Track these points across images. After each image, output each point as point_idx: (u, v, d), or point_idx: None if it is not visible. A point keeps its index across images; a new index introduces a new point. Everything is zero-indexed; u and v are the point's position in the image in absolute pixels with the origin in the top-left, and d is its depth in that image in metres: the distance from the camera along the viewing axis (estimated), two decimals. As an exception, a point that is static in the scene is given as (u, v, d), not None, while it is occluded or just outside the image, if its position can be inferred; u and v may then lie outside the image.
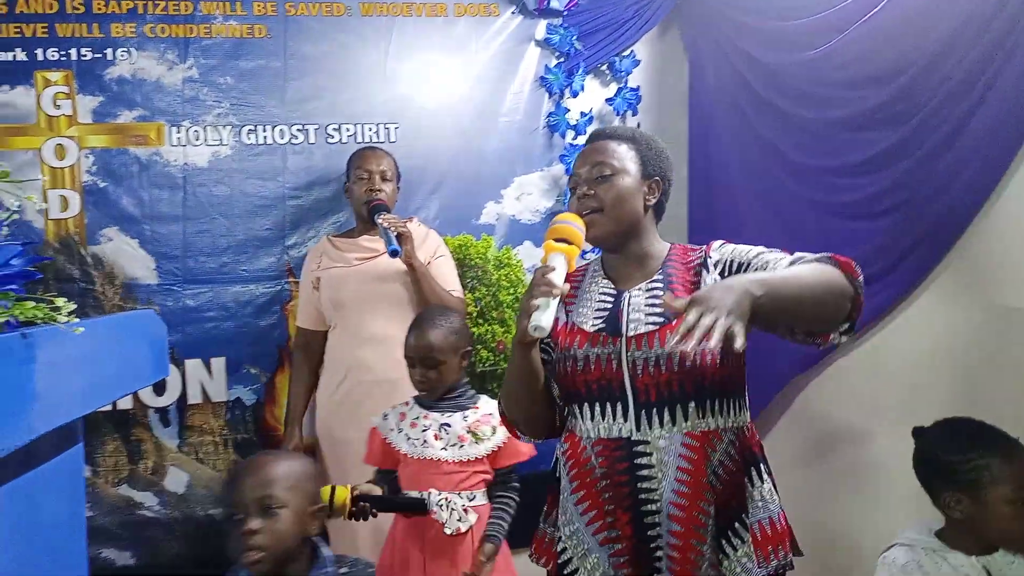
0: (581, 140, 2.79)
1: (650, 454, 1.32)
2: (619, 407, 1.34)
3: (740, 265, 1.36)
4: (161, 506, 2.51)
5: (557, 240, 1.31)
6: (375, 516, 1.58)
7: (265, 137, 2.59)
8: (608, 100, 2.84)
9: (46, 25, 2.45)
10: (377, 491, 1.62)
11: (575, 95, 2.80)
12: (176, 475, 2.54)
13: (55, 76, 2.47)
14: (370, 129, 2.67)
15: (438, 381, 1.78)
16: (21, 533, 1.11)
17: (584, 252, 1.48)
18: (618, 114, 2.86)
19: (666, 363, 1.31)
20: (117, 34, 2.49)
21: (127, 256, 2.51)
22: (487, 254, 2.74)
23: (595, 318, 1.39)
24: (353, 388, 2.33)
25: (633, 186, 1.41)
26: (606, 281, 1.45)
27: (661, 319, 1.33)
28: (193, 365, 2.55)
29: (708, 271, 1.38)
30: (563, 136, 2.79)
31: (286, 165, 2.62)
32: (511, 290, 2.74)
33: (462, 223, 2.73)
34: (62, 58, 2.47)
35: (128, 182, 2.52)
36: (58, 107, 2.47)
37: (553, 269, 1.27)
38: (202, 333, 2.55)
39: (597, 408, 1.37)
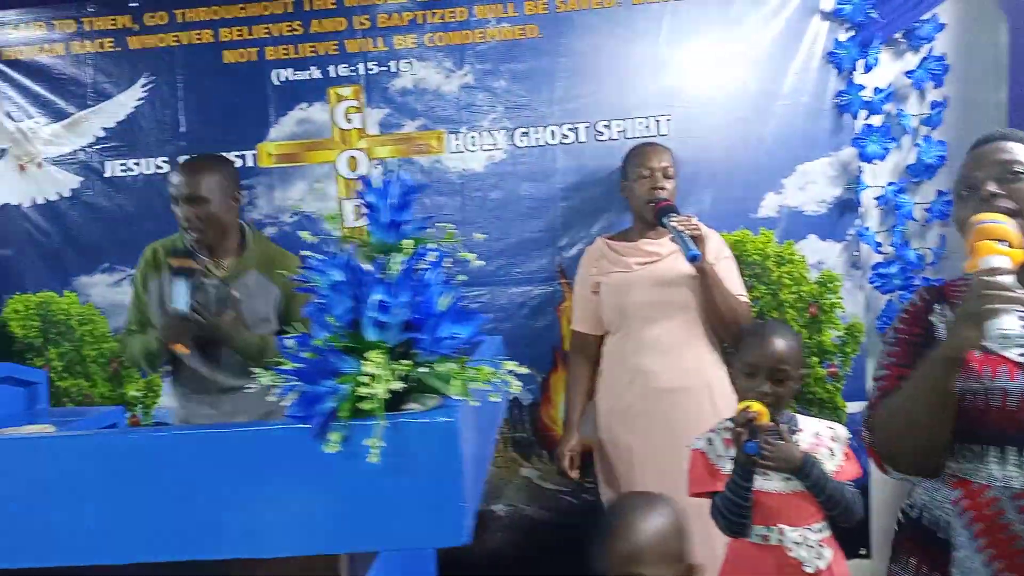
0: (876, 120, 2.50)
1: None
2: None
3: None
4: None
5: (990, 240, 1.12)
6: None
7: (537, 139, 2.58)
8: (907, 73, 2.51)
9: (336, 43, 2.60)
10: None
11: (868, 70, 2.50)
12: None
13: (346, 91, 2.61)
14: (640, 123, 2.56)
15: (783, 396, 1.65)
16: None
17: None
18: (918, 88, 2.53)
19: None
20: (400, 46, 2.58)
21: (412, 261, 2.62)
22: (766, 250, 2.55)
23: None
24: (639, 396, 2.26)
25: None
26: None
27: None
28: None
29: None
30: (855, 116, 2.52)
31: (556, 166, 2.59)
32: (793, 288, 2.54)
33: (738, 217, 2.56)
34: (352, 73, 2.60)
35: (411, 189, 2.61)
36: (349, 121, 2.62)
37: (1003, 271, 1.09)
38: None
39: (1015, 453, 1.18)
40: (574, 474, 2.31)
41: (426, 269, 0.87)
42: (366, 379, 0.77)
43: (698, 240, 2.08)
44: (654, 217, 2.20)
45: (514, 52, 2.56)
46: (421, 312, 0.82)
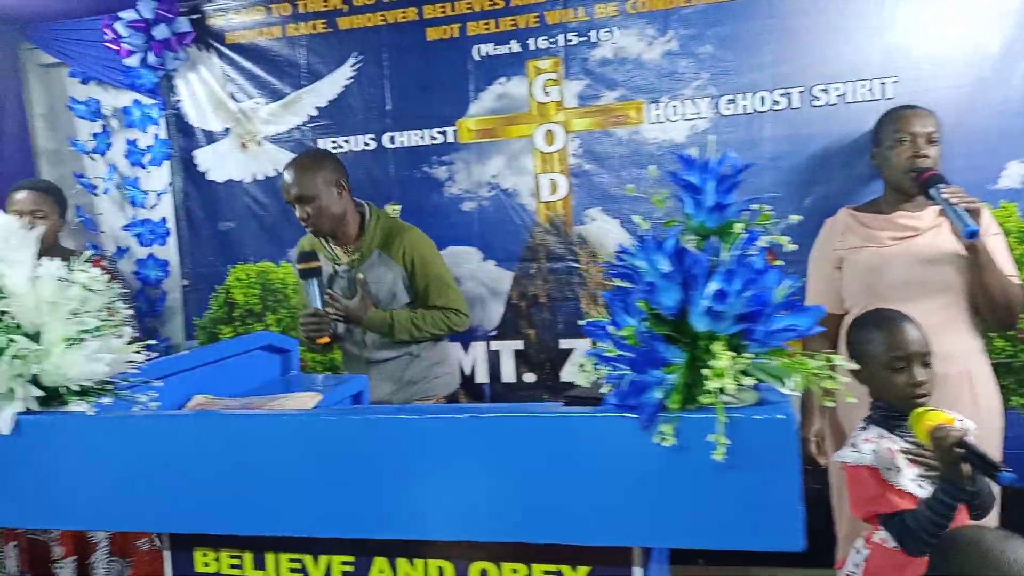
0: None
1: None
2: None
3: None
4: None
5: None
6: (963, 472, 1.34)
7: (744, 106, 2.45)
8: None
9: (537, 15, 2.57)
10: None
11: None
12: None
13: (545, 64, 2.59)
14: (863, 87, 2.36)
15: (932, 382, 1.50)
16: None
17: None
18: None
19: None
20: (601, 15, 2.52)
21: (609, 235, 2.59)
22: (1006, 225, 2.29)
23: None
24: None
25: None
26: None
27: None
28: (670, 342, 2.56)
29: None
30: (1123, 73, 2.19)
31: (764, 134, 2.45)
32: (1039, 269, 2.27)
33: (974, 189, 2.27)
34: (551, 45, 2.58)
35: (609, 163, 2.57)
36: (547, 94, 2.60)
37: None
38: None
39: None
40: (823, 460, 2.17)
41: (755, 255, 0.82)
42: (708, 372, 0.74)
43: (974, 214, 1.87)
44: (918, 188, 1.99)
45: (721, 15, 2.43)
46: (757, 302, 0.77)
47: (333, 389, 1.55)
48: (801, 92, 2.41)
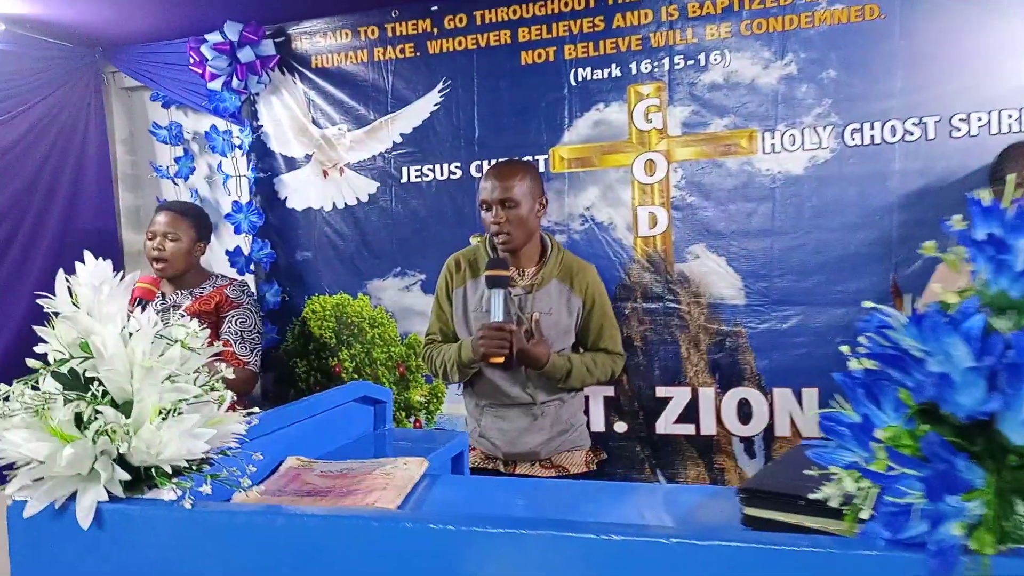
0: None
1: None
2: None
3: None
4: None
5: None
6: None
7: (872, 136, 2.22)
8: None
9: (640, 37, 2.40)
10: None
11: None
12: (759, 510, 2.36)
13: (647, 89, 2.41)
14: (1010, 116, 2.11)
15: None
16: None
17: None
18: None
19: None
20: (711, 37, 2.33)
21: (714, 274, 2.37)
22: None
23: None
24: None
25: None
26: None
27: None
28: (781, 394, 2.32)
29: None
30: None
31: (894, 167, 2.21)
32: None
33: None
34: (654, 69, 2.40)
35: (716, 195, 2.37)
36: (649, 121, 2.41)
37: None
38: (792, 360, 2.30)
39: None
40: None
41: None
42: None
43: None
44: None
45: (847, 37, 2.22)
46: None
47: (435, 451, 1.38)
48: (937, 121, 2.17)
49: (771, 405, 2.34)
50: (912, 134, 2.19)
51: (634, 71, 2.42)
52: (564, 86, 2.49)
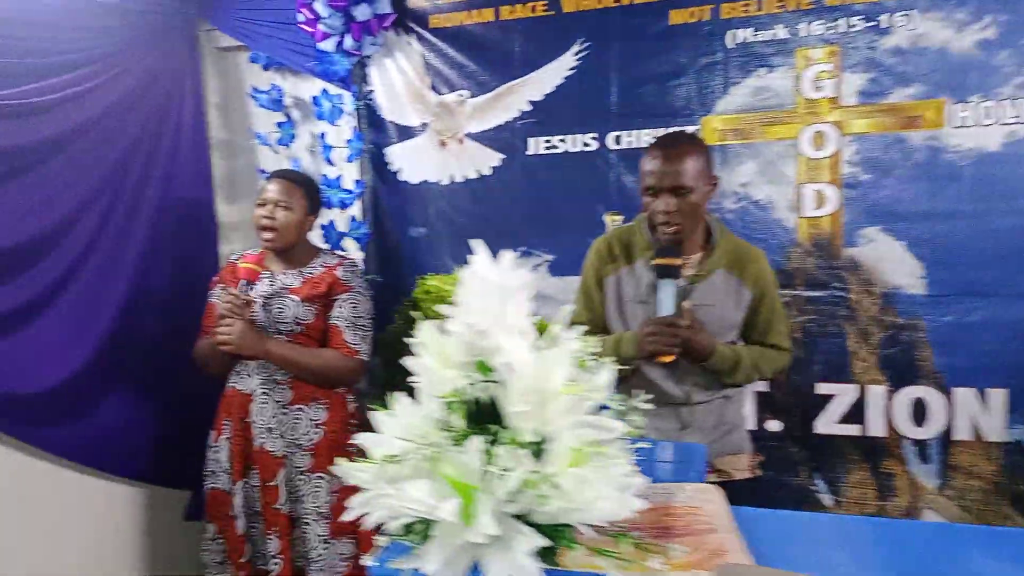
0: None
1: None
2: None
3: None
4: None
5: None
6: None
7: (1086, 109, 1.98)
8: None
9: (811, -5, 2.16)
10: None
11: None
12: (930, 519, 2.16)
13: (818, 53, 2.17)
14: None
15: None
16: None
17: None
18: None
19: None
20: (898, -5, 2.09)
21: (890, 260, 2.15)
22: None
23: None
24: None
25: None
26: None
27: None
28: (963, 394, 2.11)
29: None
30: None
31: (1107, 144, 1.97)
32: None
33: None
34: (828, 32, 2.16)
35: (896, 173, 2.13)
36: (819, 89, 2.18)
37: None
38: (978, 357, 2.08)
39: None
40: None
41: None
42: None
43: None
44: None
45: (1061, -4, 1.97)
46: None
47: (678, 466, 1.18)
48: None
49: (951, 405, 2.12)
50: None
51: (803, 33, 2.18)
52: (719, 50, 2.25)
